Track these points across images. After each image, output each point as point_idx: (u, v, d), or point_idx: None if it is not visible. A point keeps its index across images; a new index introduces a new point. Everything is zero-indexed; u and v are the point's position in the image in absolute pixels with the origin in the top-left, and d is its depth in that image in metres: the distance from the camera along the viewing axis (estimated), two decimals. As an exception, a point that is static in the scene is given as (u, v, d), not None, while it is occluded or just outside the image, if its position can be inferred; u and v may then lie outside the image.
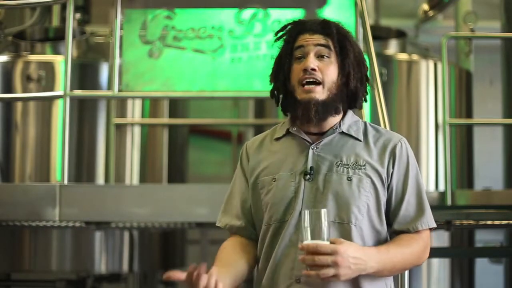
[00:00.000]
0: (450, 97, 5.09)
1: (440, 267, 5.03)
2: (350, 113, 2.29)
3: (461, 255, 4.96)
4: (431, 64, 5.15)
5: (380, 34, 5.36)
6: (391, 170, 2.20)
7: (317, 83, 2.18)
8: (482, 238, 5.68)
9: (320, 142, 2.22)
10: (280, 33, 2.28)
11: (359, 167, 2.17)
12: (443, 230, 4.53)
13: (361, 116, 3.80)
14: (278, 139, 2.30)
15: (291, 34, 2.25)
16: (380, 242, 2.18)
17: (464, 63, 5.66)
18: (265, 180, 2.24)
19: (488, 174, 6.28)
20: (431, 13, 6.72)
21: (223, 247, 2.29)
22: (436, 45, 5.16)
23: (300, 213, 2.13)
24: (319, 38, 2.21)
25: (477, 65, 5.97)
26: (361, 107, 2.30)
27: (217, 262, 2.21)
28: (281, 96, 2.28)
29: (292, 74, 2.23)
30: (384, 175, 2.19)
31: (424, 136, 5.08)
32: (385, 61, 5.07)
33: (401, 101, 5.11)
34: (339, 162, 2.18)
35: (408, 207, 2.20)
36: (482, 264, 5.63)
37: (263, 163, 2.27)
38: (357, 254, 2.03)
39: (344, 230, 2.13)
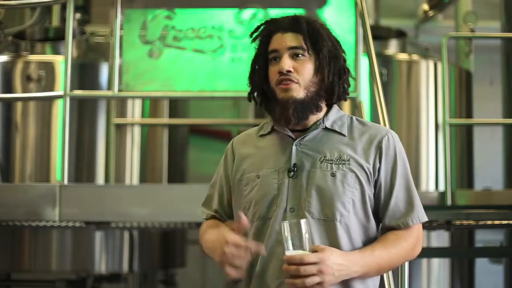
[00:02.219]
0: (450, 97, 5.09)
1: (440, 267, 5.03)
2: (335, 108, 2.27)
3: (461, 255, 4.96)
4: (431, 64, 5.15)
5: (380, 34, 5.36)
6: (377, 164, 2.17)
7: (294, 82, 2.18)
8: (482, 238, 5.68)
9: (303, 138, 2.21)
10: (254, 34, 2.27)
11: (343, 162, 2.15)
12: (443, 230, 4.53)
13: (361, 115, 3.81)
14: (263, 135, 2.30)
15: (264, 34, 2.24)
16: (368, 237, 2.16)
17: (464, 63, 5.66)
18: (249, 177, 2.23)
19: (488, 174, 6.28)
20: (431, 13, 6.72)
21: (206, 226, 2.32)
22: (436, 45, 5.16)
23: (286, 210, 2.14)
24: (291, 38, 2.18)
25: (477, 65, 5.97)
26: (345, 99, 2.27)
27: (214, 229, 2.25)
28: (258, 97, 2.28)
29: (270, 76, 2.22)
30: (370, 170, 2.16)
31: (424, 136, 5.08)
32: (385, 61, 5.07)
33: (401, 101, 5.11)
34: (322, 158, 2.16)
35: (397, 201, 2.17)
36: (482, 264, 5.64)
37: (248, 159, 2.27)
38: (340, 261, 2.03)
39: (329, 227, 2.12)
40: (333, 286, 2.05)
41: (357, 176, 2.14)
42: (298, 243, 2.00)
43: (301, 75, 2.16)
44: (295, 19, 2.22)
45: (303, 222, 2.00)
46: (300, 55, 2.17)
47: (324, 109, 2.24)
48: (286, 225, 2.00)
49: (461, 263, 5.14)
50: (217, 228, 2.26)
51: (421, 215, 2.19)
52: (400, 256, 2.16)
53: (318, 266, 1.98)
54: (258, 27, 2.27)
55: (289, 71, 2.15)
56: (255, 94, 2.29)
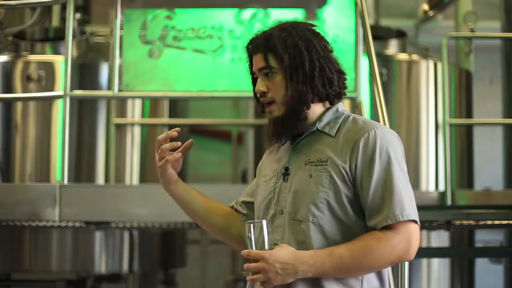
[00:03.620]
0: (450, 97, 5.09)
1: (440, 267, 5.03)
2: (333, 108, 2.26)
3: (461, 255, 4.96)
4: (431, 64, 5.15)
5: (380, 34, 5.36)
6: (354, 163, 2.13)
7: (271, 102, 2.23)
8: (482, 238, 5.68)
9: (298, 142, 2.25)
10: (245, 54, 2.34)
11: (321, 163, 2.15)
12: (443, 230, 4.54)
13: (361, 115, 3.81)
14: (284, 143, 2.34)
15: (248, 55, 2.32)
16: (353, 237, 2.10)
17: (464, 63, 5.66)
18: (260, 181, 2.34)
19: (488, 174, 6.29)
20: (431, 13, 6.72)
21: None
22: (436, 45, 5.17)
23: (276, 212, 2.19)
24: (258, 59, 2.24)
25: (477, 65, 5.97)
26: (344, 94, 2.28)
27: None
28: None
29: None
30: (346, 170, 2.12)
31: (424, 136, 5.08)
32: (385, 61, 5.07)
33: (401, 101, 5.11)
34: (307, 161, 2.18)
35: (374, 199, 2.10)
36: (482, 264, 5.64)
37: (263, 165, 2.38)
38: (284, 259, 2.04)
39: (304, 227, 2.13)
40: (303, 284, 2.08)
41: (331, 177, 2.12)
42: (261, 244, 2.08)
43: (274, 92, 2.21)
44: (254, 39, 2.27)
45: (264, 222, 2.09)
46: (269, 74, 2.23)
47: (320, 110, 2.25)
48: (249, 226, 2.09)
49: (461, 263, 5.14)
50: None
51: (399, 213, 2.08)
52: (370, 257, 2.08)
53: (260, 264, 2.04)
54: (246, 47, 2.33)
55: (263, 92, 2.23)
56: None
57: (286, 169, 2.22)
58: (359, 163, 2.13)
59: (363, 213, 2.14)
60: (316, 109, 2.24)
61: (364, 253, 2.07)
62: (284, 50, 2.20)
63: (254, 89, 2.31)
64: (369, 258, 2.08)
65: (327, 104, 2.26)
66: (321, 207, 2.12)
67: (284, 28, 2.24)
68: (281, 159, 2.28)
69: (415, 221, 2.11)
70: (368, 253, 2.07)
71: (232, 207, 2.46)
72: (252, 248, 2.08)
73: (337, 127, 2.22)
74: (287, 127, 2.22)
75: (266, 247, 2.07)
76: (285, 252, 2.06)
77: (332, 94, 2.24)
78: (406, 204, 2.10)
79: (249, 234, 2.08)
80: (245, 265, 2.08)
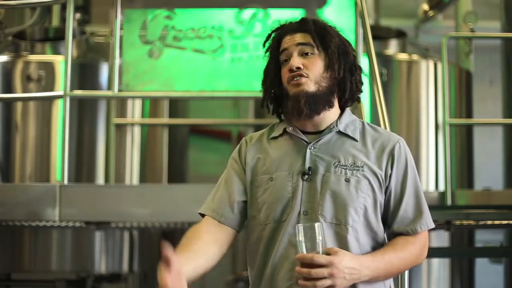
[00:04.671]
0: (450, 97, 5.09)
1: (440, 267, 5.03)
2: (347, 111, 2.28)
3: (461, 255, 4.96)
4: (431, 64, 5.15)
5: (380, 34, 5.36)
6: (389, 171, 2.19)
7: (304, 77, 2.20)
8: (482, 238, 5.68)
9: (317, 141, 2.21)
10: (267, 42, 2.30)
11: (357, 168, 2.17)
12: (443, 230, 4.53)
13: (361, 115, 3.81)
14: (275, 138, 2.29)
15: (274, 40, 2.28)
16: (376, 242, 2.18)
17: (464, 63, 5.66)
18: (262, 179, 2.23)
19: (488, 174, 6.28)
20: (431, 13, 6.72)
21: (195, 229, 2.25)
22: (436, 45, 5.17)
23: (299, 213, 2.14)
24: (299, 37, 2.22)
25: (477, 65, 5.97)
26: (358, 100, 2.30)
27: (184, 246, 2.17)
28: (270, 104, 2.29)
29: (282, 78, 2.25)
30: (382, 177, 2.18)
31: (424, 136, 5.08)
32: (385, 61, 5.07)
33: (401, 101, 5.11)
34: (337, 163, 2.17)
35: (406, 208, 2.20)
36: (482, 264, 5.63)
37: (260, 161, 2.26)
38: (351, 264, 2.04)
39: (340, 231, 2.13)
40: None
41: (370, 183, 2.17)
42: (311, 246, 2.01)
43: (311, 70, 2.19)
44: (302, 20, 2.27)
45: (317, 225, 2.02)
46: (309, 53, 2.21)
47: (337, 111, 2.26)
48: (300, 228, 2.02)
49: (461, 263, 5.14)
50: (185, 249, 2.16)
51: (429, 222, 2.21)
52: (407, 261, 2.18)
53: (329, 269, 1.99)
54: (269, 35, 2.30)
55: (298, 68, 2.19)
56: (268, 100, 2.30)
57: (309, 169, 2.18)
58: (394, 173, 2.20)
59: (384, 218, 2.21)
60: (335, 108, 2.25)
61: (405, 256, 2.17)
62: (335, 35, 2.25)
63: (267, 77, 2.27)
64: (408, 261, 2.19)
65: (339, 105, 2.28)
66: (359, 212, 2.15)
67: (324, 21, 2.29)
68: (289, 157, 2.22)
69: None
70: (408, 256, 2.18)
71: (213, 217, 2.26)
72: (302, 251, 2.01)
73: (358, 131, 2.24)
74: (319, 106, 2.19)
75: (320, 250, 2.01)
76: (350, 257, 2.06)
77: (356, 96, 2.28)
78: (428, 213, 2.23)
79: (300, 237, 2.01)
80: (313, 271, 1.98)
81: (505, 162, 5.51)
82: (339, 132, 2.23)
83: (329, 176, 2.16)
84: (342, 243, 2.12)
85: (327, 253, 2.02)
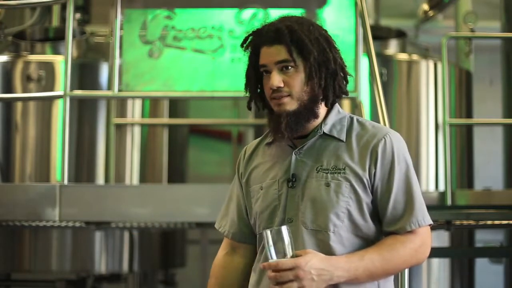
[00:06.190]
0: (450, 97, 5.09)
1: (440, 267, 5.03)
2: (335, 109, 2.21)
3: (461, 255, 4.96)
4: (431, 64, 5.15)
5: (380, 34, 5.36)
6: (373, 170, 2.11)
7: (286, 96, 2.13)
8: (482, 238, 5.68)
9: (303, 147, 2.17)
10: (244, 45, 2.25)
11: (339, 171, 2.11)
12: (443, 230, 4.53)
13: (361, 115, 3.81)
14: (269, 144, 2.26)
15: (252, 47, 2.22)
16: (367, 245, 2.11)
17: (464, 63, 5.66)
18: (254, 189, 2.23)
19: (488, 174, 6.28)
20: (431, 13, 6.72)
21: (216, 267, 2.34)
22: (436, 45, 5.17)
23: (284, 220, 2.12)
24: (276, 51, 2.12)
25: (477, 65, 5.97)
26: (346, 94, 2.21)
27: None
28: (259, 103, 2.24)
29: (264, 89, 2.19)
30: (365, 177, 2.11)
31: (424, 136, 5.08)
32: (385, 61, 5.07)
33: (401, 101, 5.11)
34: (319, 167, 2.13)
35: (396, 206, 2.12)
36: (482, 264, 5.63)
37: (254, 170, 2.26)
38: (320, 265, 1.99)
39: (322, 237, 2.09)
40: None
41: (352, 185, 2.10)
42: (281, 251, 1.99)
43: (292, 87, 2.12)
44: (278, 30, 2.15)
45: (283, 228, 1.99)
46: (289, 67, 2.13)
47: (323, 111, 2.19)
48: (268, 233, 1.99)
49: (461, 263, 5.14)
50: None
51: (421, 219, 2.12)
52: (395, 261, 2.09)
53: (295, 271, 1.96)
54: (246, 39, 2.25)
55: (279, 87, 2.12)
56: (253, 102, 2.26)
57: (293, 175, 2.14)
58: (379, 171, 2.12)
59: (378, 218, 2.15)
60: (321, 109, 2.19)
61: (392, 256, 2.09)
62: (313, 44, 2.13)
63: (249, 83, 2.23)
64: (396, 261, 2.10)
65: (326, 105, 2.20)
66: (342, 217, 2.10)
67: (301, 22, 2.17)
68: (277, 164, 2.19)
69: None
70: (395, 256, 2.09)
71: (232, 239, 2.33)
72: (272, 256, 1.98)
73: (345, 131, 2.17)
74: (301, 123, 2.13)
75: (289, 254, 1.98)
76: (318, 258, 2.01)
77: (340, 95, 2.20)
78: (425, 209, 2.15)
79: (268, 242, 1.98)
80: (274, 274, 1.97)
81: (505, 162, 5.51)
82: (325, 134, 2.17)
83: (311, 182, 2.12)
84: (325, 249, 2.08)
85: (298, 254, 1.99)
